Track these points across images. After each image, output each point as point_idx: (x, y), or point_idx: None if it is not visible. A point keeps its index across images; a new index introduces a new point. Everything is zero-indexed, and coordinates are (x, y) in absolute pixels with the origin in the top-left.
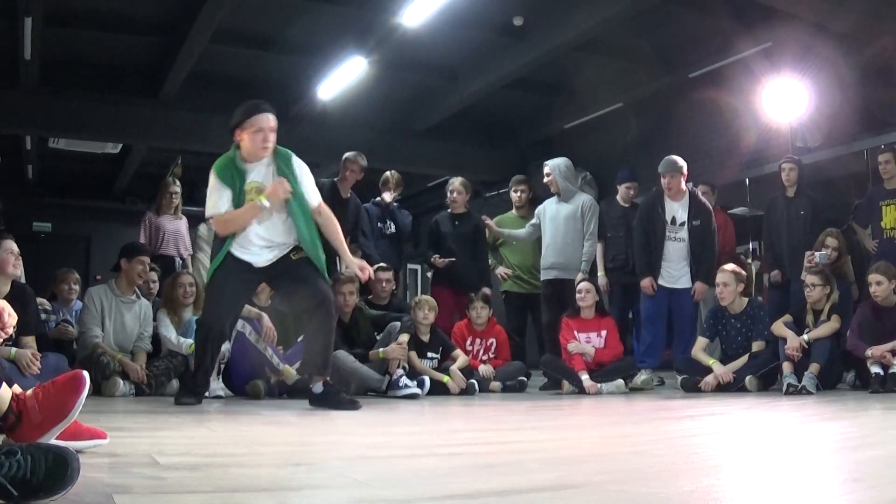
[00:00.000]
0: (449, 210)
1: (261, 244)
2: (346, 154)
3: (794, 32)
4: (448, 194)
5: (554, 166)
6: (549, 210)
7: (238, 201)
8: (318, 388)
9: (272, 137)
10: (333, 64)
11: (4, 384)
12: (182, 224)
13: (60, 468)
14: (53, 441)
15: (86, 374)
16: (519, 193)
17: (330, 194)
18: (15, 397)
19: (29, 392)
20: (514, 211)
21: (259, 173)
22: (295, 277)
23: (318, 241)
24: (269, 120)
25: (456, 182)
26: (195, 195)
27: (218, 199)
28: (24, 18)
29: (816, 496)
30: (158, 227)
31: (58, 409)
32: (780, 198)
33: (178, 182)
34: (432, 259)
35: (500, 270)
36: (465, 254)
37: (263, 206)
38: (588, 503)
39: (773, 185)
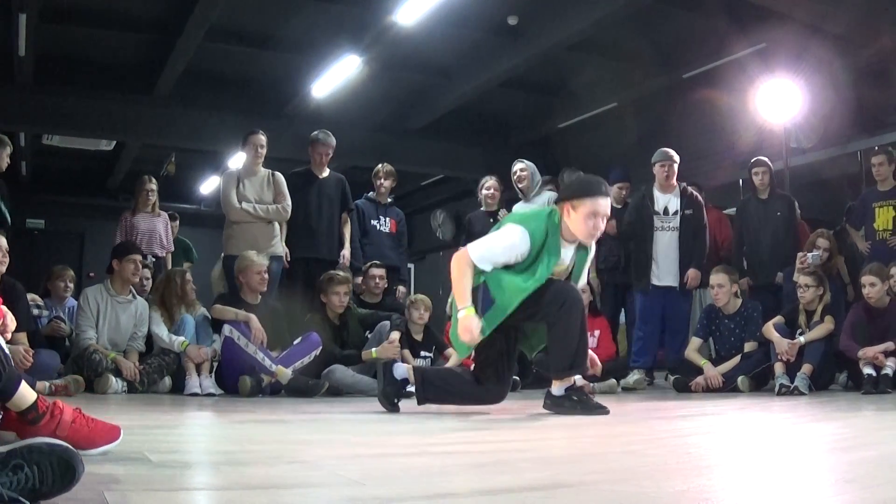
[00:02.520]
0: (483, 208)
1: None
2: (312, 134)
3: (788, 33)
4: (483, 192)
5: (530, 165)
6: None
7: (534, 269)
8: (557, 390)
9: (602, 226)
10: (328, 62)
11: (25, 384)
12: (159, 222)
13: (68, 473)
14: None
15: (122, 431)
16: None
17: (305, 180)
18: (44, 401)
19: (68, 406)
20: None
21: (567, 255)
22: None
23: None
24: (607, 206)
25: (491, 180)
26: (187, 192)
27: (499, 257)
28: (18, 15)
29: (808, 497)
30: (133, 226)
31: (79, 442)
32: (751, 200)
33: (154, 179)
34: None
35: None
36: None
37: (474, 334)
38: (580, 503)
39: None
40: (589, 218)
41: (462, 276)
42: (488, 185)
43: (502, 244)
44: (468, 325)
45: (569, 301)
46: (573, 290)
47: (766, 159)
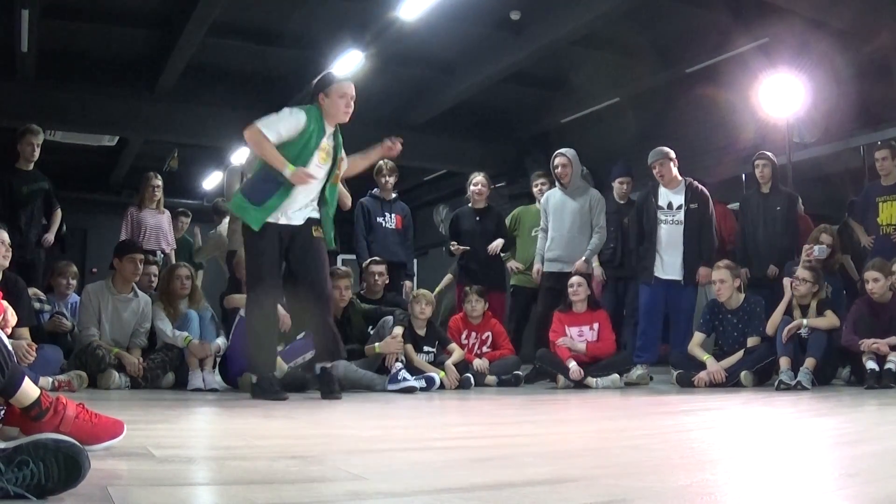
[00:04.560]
0: (471, 205)
1: (301, 206)
2: None
3: (791, 28)
4: (471, 188)
5: (573, 156)
6: (555, 201)
7: (305, 152)
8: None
9: (352, 106)
10: (331, 58)
11: (28, 380)
12: (164, 218)
13: (74, 469)
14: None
15: (125, 426)
16: (539, 187)
17: None
18: (47, 397)
19: (71, 401)
20: (536, 204)
21: (329, 138)
22: (306, 254)
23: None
24: (352, 88)
25: (479, 176)
26: (190, 187)
27: (280, 126)
28: (21, 11)
29: (811, 491)
30: (140, 222)
31: (82, 437)
32: (754, 194)
33: (159, 176)
34: (452, 247)
35: (512, 264)
36: (486, 250)
37: (309, 174)
38: (583, 497)
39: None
40: (341, 98)
41: (265, 147)
42: (476, 182)
43: (284, 116)
44: (302, 174)
45: (325, 296)
46: (328, 284)
47: (768, 153)
